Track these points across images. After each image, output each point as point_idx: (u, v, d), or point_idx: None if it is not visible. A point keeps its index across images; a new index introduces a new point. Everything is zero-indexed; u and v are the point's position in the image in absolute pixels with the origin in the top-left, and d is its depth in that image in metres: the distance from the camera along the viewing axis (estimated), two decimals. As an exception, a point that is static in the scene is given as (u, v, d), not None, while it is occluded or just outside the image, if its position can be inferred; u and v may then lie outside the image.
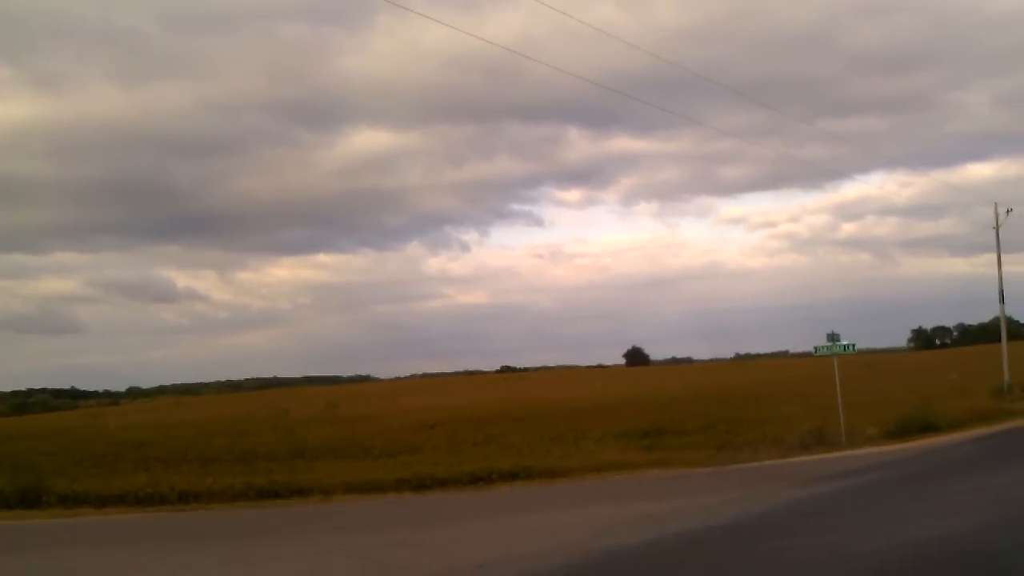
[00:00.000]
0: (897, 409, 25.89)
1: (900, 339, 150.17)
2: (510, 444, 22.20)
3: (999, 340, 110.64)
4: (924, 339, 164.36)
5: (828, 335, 18.65)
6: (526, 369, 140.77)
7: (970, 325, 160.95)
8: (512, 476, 14.51)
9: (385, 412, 35.44)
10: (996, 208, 33.85)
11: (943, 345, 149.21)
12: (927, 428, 19.00)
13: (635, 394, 37.47)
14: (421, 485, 14.38)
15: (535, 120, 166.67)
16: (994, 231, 34.02)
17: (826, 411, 27.17)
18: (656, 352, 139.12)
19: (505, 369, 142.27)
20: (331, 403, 41.21)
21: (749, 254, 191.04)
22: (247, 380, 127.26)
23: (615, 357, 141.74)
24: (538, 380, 79.86)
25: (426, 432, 25.98)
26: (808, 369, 57.03)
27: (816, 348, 19.06)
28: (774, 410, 28.43)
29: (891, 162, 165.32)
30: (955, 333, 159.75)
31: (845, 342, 18.84)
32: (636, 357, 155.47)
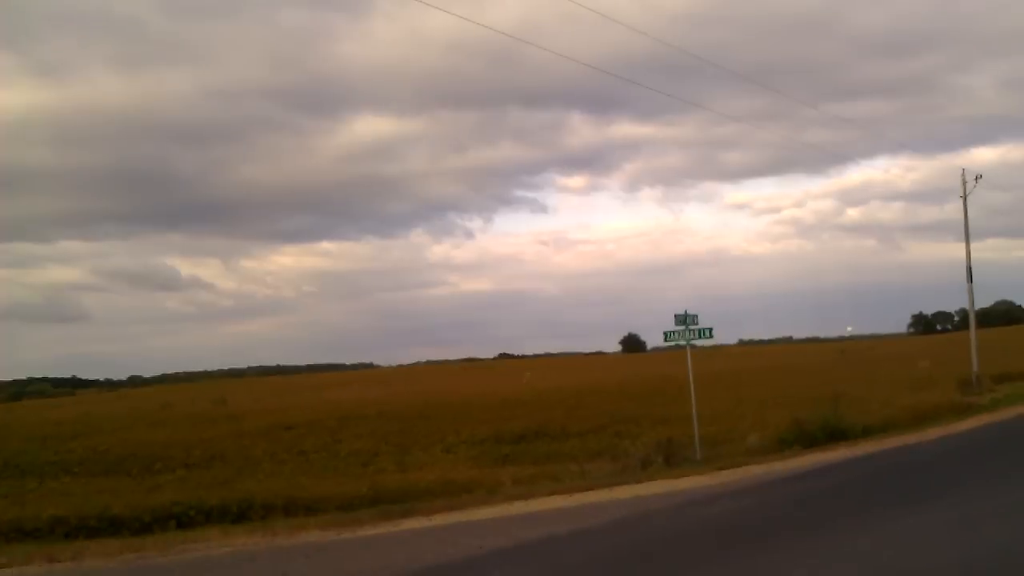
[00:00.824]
0: (849, 408, 21.83)
1: (903, 324, 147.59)
2: (338, 452, 18.21)
3: (999, 325, 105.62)
4: (925, 324, 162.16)
5: (677, 317, 14.27)
6: (523, 356, 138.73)
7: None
8: (221, 512, 10.48)
9: (283, 407, 31.48)
10: (963, 176, 29.55)
11: (944, 330, 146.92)
12: (833, 436, 14.92)
13: (559, 387, 33.40)
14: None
15: (538, 106, 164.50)
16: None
17: (746, 408, 23.11)
18: (659, 338, 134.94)
19: (503, 356, 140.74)
20: (218, 399, 37.29)
21: (753, 240, 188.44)
22: (250, 368, 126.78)
23: (616, 343, 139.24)
24: (518, 368, 75.44)
25: (272, 436, 22.00)
26: (781, 358, 52.95)
27: (666, 334, 14.77)
28: (687, 407, 24.34)
29: (895, 146, 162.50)
30: (956, 318, 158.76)
31: (703, 326, 14.54)
32: (632, 344, 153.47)
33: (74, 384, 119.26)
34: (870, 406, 21.58)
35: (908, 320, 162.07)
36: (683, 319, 14.47)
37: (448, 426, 21.81)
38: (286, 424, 24.06)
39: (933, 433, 16.83)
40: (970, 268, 29.35)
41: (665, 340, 15.09)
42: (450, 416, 24.15)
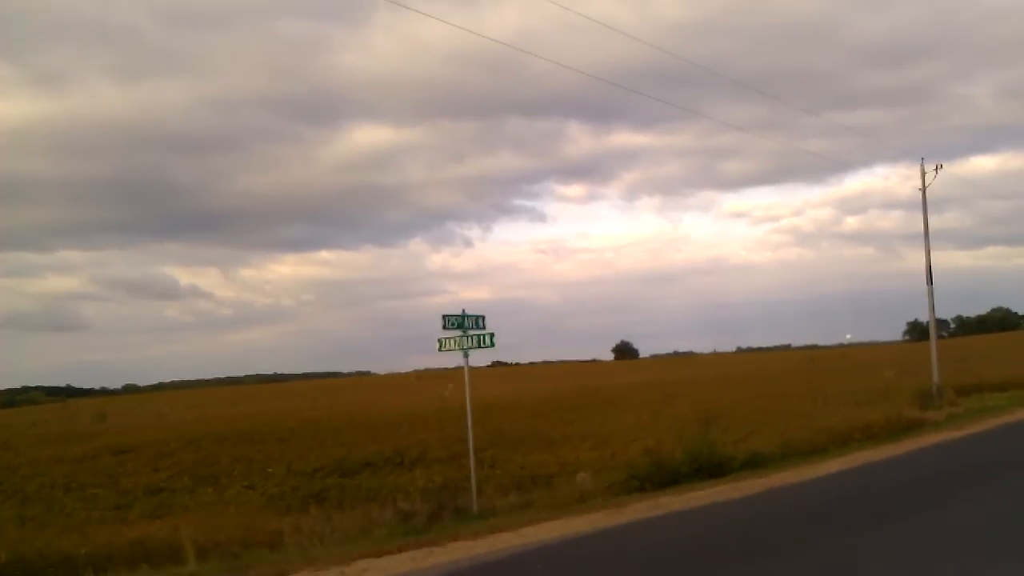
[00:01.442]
0: (770, 428, 18.43)
1: (900, 332, 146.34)
2: (119, 487, 14.72)
3: (995, 332, 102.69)
4: (920, 332, 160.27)
5: (448, 319, 10.70)
6: (518, 364, 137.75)
7: (968, 317, 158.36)
8: None
9: (158, 425, 27.98)
10: (922, 166, 26.11)
11: (940, 338, 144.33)
12: (703, 470, 11.44)
13: (481, 401, 29.72)
14: None
15: (537, 115, 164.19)
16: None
17: (657, 428, 19.66)
18: (660, 347, 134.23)
19: (497, 364, 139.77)
20: (99, 415, 33.84)
21: (752, 248, 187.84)
22: (247, 376, 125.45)
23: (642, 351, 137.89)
24: (511, 375, 71.85)
25: (86, 463, 18.58)
26: (744, 367, 49.45)
27: (440, 342, 11.25)
28: (607, 424, 20.87)
29: (895, 155, 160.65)
30: (952, 325, 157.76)
31: (483, 331, 10.99)
32: (624, 351, 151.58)
33: (68, 393, 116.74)
34: (793, 425, 18.19)
35: (904, 328, 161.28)
36: (459, 322, 11.03)
37: (293, 451, 18.37)
38: (122, 447, 20.62)
39: (839, 464, 13.33)
40: (930, 269, 25.91)
41: (439, 349, 11.62)
42: (311, 437, 20.73)
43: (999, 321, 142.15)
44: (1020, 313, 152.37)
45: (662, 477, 11.39)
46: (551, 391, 32.05)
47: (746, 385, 32.31)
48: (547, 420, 22.05)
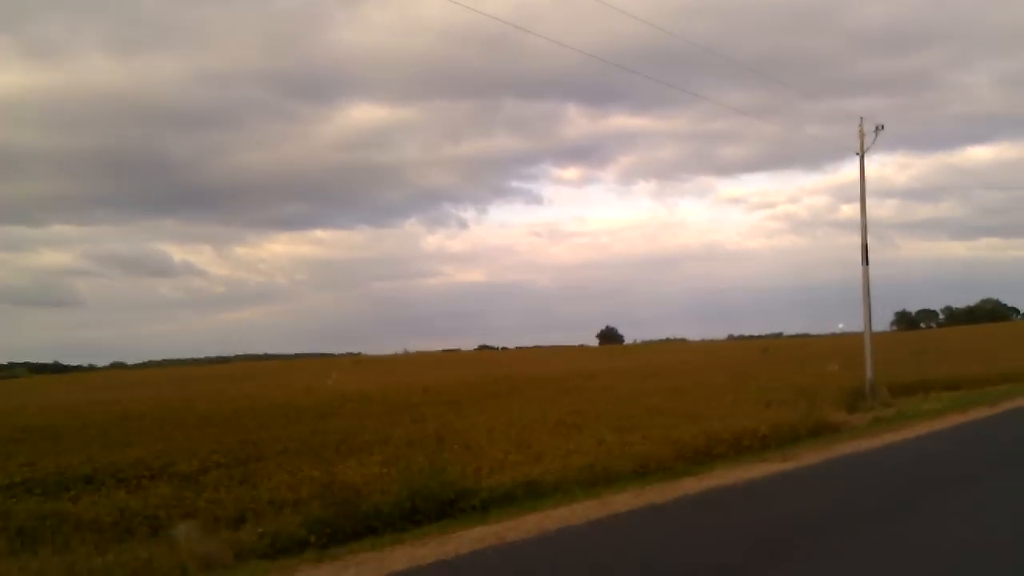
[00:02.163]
0: (638, 432, 14.84)
1: (887, 322, 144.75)
2: None
3: (984, 322, 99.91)
4: (908, 321, 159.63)
5: None
6: (504, 348, 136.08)
7: (957, 308, 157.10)
8: None
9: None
10: (861, 127, 22.26)
11: (928, 328, 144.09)
12: (419, 511, 7.84)
13: (364, 391, 26.13)
14: None
15: (534, 96, 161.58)
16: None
17: (500, 434, 15.93)
18: (653, 332, 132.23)
19: (483, 347, 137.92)
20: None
21: (748, 235, 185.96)
22: (237, 356, 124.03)
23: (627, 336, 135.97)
24: (495, 359, 67.99)
25: None
26: (689, 356, 45.86)
27: None
28: (447, 423, 17.11)
29: (892, 143, 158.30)
30: (941, 316, 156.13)
31: None
32: (609, 337, 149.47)
33: (55, 370, 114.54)
34: (676, 431, 14.57)
35: (890, 318, 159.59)
36: None
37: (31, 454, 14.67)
38: None
39: (640, 499, 9.64)
40: (866, 247, 22.15)
41: None
42: (96, 434, 17.08)
43: (989, 312, 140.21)
44: (1010, 304, 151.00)
45: (354, 523, 7.71)
46: (450, 380, 28.39)
47: (671, 376, 28.71)
48: (396, 417, 18.36)
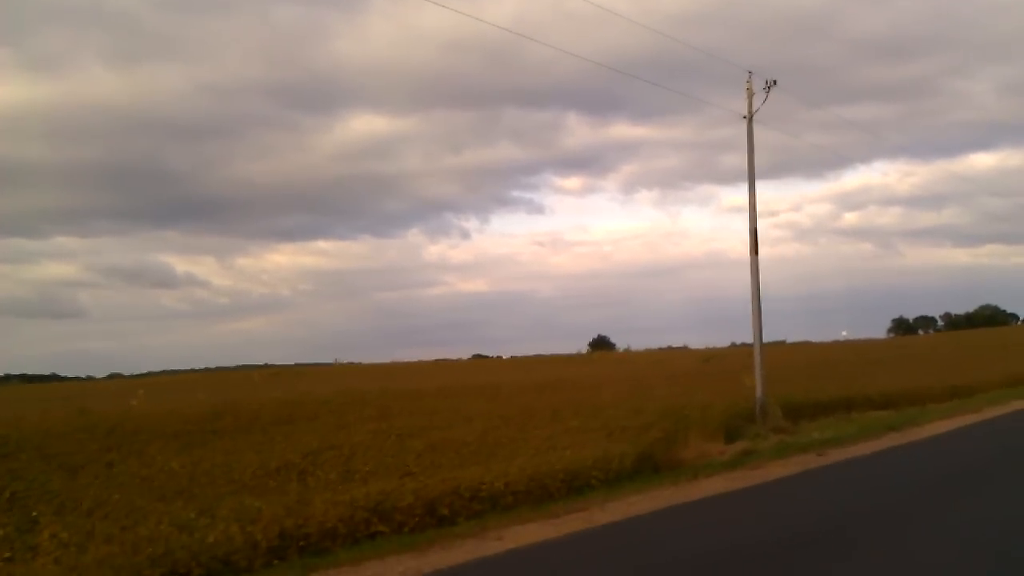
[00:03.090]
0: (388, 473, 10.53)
1: (884, 329, 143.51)
2: None
3: (982, 328, 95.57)
4: (905, 328, 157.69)
5: None
6: (499, 357, 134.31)
7: (957, 315, 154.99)
8: None
9: None
10: (749, 83, 17.93)
11: (926, 334, 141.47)
12: None
13: (173, 410, 21.71)
14: None
15: (535, 106, 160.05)
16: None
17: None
18: (655, 341, 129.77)
19: (477, 356, 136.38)
20: None
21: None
22: (238, 366, 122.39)
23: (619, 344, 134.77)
24: (490, 367, 63.63)
25: None
26: (616, 368, 41.49)
27: None
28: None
29: (894, 151, 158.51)
30: (940, 323, 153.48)
31: None
32: (600, 345, 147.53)
33: (49, 381, 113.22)
34: (460, 472, 10.36)
35: (888, 325, 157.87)
36: None
37: None
38: None
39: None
40: (755, 232, 17.80)
41: None
42: None
43: (987, 319, 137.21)
44: (1009, 311, 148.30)
45: None
46: (300, 397, 24.03)
47: (565, 390, 24.40)
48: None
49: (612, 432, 14.80)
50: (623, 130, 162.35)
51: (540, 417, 16.80)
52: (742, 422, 17.42)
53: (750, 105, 17.83)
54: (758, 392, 17.55)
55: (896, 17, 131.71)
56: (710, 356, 41.56)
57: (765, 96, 17.54)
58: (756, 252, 17.62)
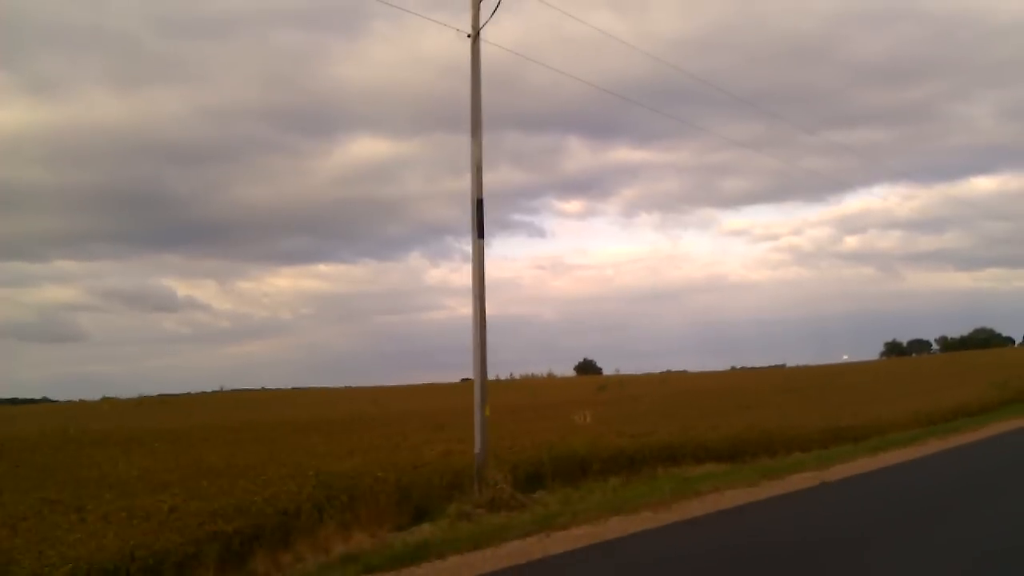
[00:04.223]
0: None
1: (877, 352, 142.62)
2: None
3: (970, 351, 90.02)
4: (899, 352, 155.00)
5: None
6: (497, 378, 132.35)
7: (952, 338, 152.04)
8: None
9: None
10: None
11: (914, 355, 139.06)
12: None
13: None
14: None
15: (535, 130, 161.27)
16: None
17: None
18: (655, 365, 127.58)
19: (465, 380, 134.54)
20: None
21: (752, 267, 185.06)
22: (234, 391, 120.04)
23: (606, 368, 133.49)
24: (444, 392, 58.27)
25: None
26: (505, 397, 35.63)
27: None
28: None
29: (894, 175, 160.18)
30: (936, 346, 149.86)
31: None
32: (586, 368, 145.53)
33: (40, 403, 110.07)
34: None
35: (881, 348, 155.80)
36: None
37: None
38: None
39: None
40: (479, 203, 12.12)
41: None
42: None
43: (982, 342, 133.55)
44: (1004, 335, 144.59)
45: None
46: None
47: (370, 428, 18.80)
48: None
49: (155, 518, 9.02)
50: (624, 154, 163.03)
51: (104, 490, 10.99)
52: (457, 491, 11.65)
53: (476, 18, 12.25)
54: (477, 447, 11.72)
55: (895, 42, 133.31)
56: (606, 384, 35.61)
57: (494, 9, 11.93)
58: (482, 234, 11.92)
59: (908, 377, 39.00)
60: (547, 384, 42.43)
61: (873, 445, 16.26)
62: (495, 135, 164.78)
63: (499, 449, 13.58)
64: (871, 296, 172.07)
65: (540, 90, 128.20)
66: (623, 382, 38.62)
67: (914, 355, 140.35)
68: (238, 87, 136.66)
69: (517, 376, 53.77)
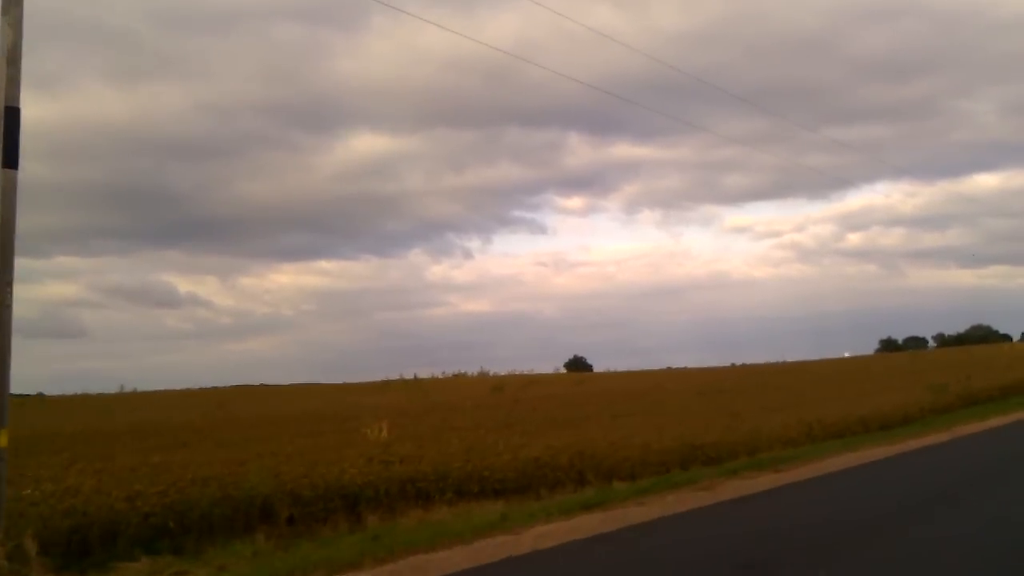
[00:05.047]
0: None
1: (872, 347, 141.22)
2: None
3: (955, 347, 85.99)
4: (894, 348, 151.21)
5: None
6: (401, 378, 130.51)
7: (949, 335, 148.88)
8: None
9: None
10: None
11: (909, 350, 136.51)
12: None
13: None
14: None
15: (536, 125, 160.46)
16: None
17: None
18: (658, 361, 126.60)
19: (457, 376, 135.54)
20: None
21: (754, 264, 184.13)
22: (231, 387, 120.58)
23: (612, 365, 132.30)
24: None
25: None
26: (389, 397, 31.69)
27: None
28: None
29: (897, 171, 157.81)
30: (932, 342, 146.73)
31: None
32: (576, 366, 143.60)
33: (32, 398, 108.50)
34: None
35: (876, 345, 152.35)
36: None
37: None
38: None
39: None
40: (11, 113, 8.07)
41: None
42: None
43: (979, 339, 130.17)
44: (1002, 332, 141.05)
45: None
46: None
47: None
48: None
49: None
50: (625, 150, 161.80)
51: None
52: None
53: None
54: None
55: (897, 37, 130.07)
56: (501, 384, 31.47)
57: None
58: (15, 163, 7.83)
59: (856, 376, 34.68)
60: (451, 384, 38.22)
61: (690, 477, 12.14)
62: (495, 130, 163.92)
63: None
64: (874, 293, 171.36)
65: (540, 85, 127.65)
66: (535, 382, 34.49)
67: (909, 351, 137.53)
68: (239, 82, 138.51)
69: (493, 371, 49.19)
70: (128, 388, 44.19)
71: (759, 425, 16.87)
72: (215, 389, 57.13)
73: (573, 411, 21.77)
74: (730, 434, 15.52)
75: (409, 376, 44.65)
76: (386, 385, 38.91)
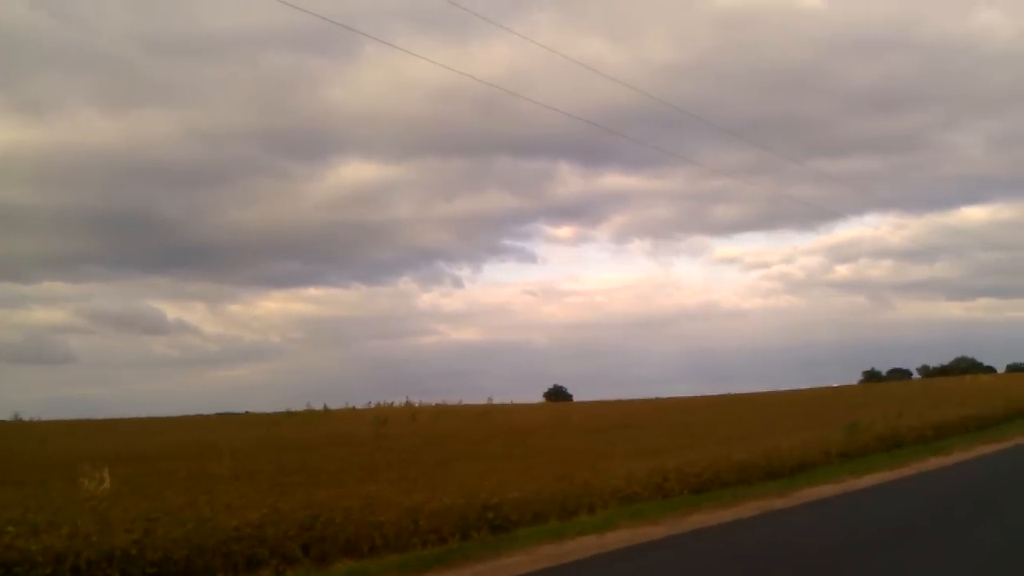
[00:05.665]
0: None
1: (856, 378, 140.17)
2: None
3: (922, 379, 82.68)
4: (877, 379, 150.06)
5: None
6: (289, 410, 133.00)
7: (933, 367, 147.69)
8: None
9: None
10: None
11: (892, 380, 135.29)
12: None
13: None
14: None
15: (526, 155, 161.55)
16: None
17: None
18: (648, 391, 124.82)
19: (440, 404, 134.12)
20: None
21: (743, 295, 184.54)
22: (216, 415, 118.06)
23: (604, 394, 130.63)
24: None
25: None
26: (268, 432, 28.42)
27: None
28: None
29: (885, 203, 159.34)
30: (916, 374, 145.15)
31: None
32: (556, 395, 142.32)
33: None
34: None
35: (859, 376, 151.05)
36: None
37: None
38: None
39: None
40: None
41: None
42: None
43: (963, 371, 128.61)
44: (986, 364, 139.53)
45: None
46: None
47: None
48: None
49: None
50: (615, 180, 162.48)
51: None
52: None
53: None
54: None
55: (886, 71, 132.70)
56: (386, 417, 28.22)
57: None
58: None
59: (783, 409, 31.54)
60: (353, 416, 34.90)
61: (439, 555, 8.95)
62: (485, 159, 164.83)
63: None
64: (862, 324, 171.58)
65: (531, 114, 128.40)
66: (447, 413, 31.27)
67: (891, 381, 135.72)
68: (229, 110, 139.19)
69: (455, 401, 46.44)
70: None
71: (613, 471, 13.70)
72: (199, 416, 54.03)
73: (435, 451, 18.60)
74: (553, 487, 12.32)
75: (396, 401, 42.77)
76: (289, 416, 35.63)
